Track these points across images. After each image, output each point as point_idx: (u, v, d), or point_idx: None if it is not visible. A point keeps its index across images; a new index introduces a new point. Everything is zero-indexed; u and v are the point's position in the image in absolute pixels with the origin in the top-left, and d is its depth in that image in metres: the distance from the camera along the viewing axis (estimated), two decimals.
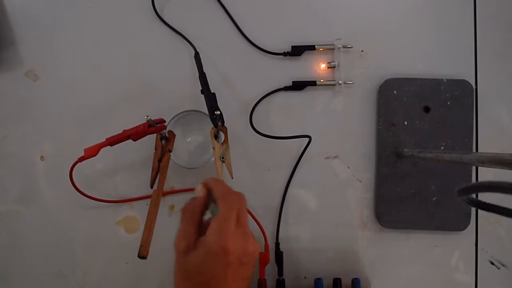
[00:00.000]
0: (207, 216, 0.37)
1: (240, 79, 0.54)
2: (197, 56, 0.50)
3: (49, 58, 0.55)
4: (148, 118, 0.44)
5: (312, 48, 0.52)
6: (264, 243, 0.51)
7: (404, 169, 0.52)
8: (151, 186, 0.47)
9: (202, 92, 0.47)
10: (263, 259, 0.50)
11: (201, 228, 0.36)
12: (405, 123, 0.52)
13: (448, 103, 0.52)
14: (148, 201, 0.46)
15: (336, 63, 0.52)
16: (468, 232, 0.52)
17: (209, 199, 0.38)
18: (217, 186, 0.38)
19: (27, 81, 0.55)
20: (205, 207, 0.38)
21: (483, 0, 0.53)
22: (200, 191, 0.38)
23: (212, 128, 0.46)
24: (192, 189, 0.53)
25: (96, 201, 0.52)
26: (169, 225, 0.52)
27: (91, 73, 0.55)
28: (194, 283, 0.34)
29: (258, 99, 0.53)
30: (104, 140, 0.45)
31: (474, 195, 0.28)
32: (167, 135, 0.48)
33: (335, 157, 0.54)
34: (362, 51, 0.53)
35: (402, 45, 0.53)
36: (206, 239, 0.33)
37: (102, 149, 0.44)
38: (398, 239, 0.53)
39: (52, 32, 0.55)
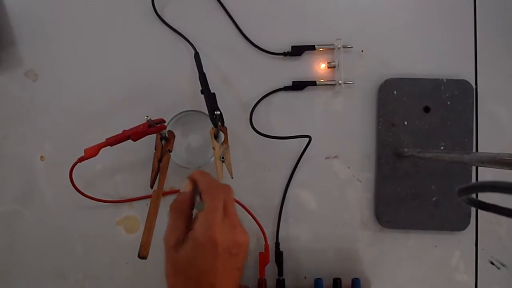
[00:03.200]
0: (195, 211, 0.37)
1: (240, 79, 0.54)
2: (197, 56, 0.50)
3: (49, 58, 0.55)
4: (148, 118, 0.44)
5: (312, 48, 0.52)
6: (264, 243, 0.51)
7: (404, 169, 0.52)
8: (151, 186, 0.47)
9: (202, 92, 0.47)
10: (263, 259, 0.51)
11: (190, 222, 0.36)
12: (405, 123, 0.52)
13: (448, 103, 0.52)
14: (148, 201, 0.46)
15: (336, 63, 0.52)
16: (468, 232, 0.52)
17: (196, 192, 0.38)
18: (202, 180, 0.38)
19: (27, 81, 0.55)
20: (193, 201, 0.38)
21: (483, 0, 0.53)
22: (186, 186, 0.38)
23: (212, 128, 0.46)
24: None
25: (96, 201, 0.52)
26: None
27: (91, 73, 0.55)
28: (185, 276, 0.34)
29: (258, 99, 0.53)
30: (104, 140, 0.45)
31: (474, 195, 0.28)
32: (167, 135, 0.48)
33: (335, 157, 0.54)
34: (362, 51, 0.53)
35: (402, 45, 0.53)
36: (193, 232, 0.34)
37: (102, 149, 0.44)
38: (398, 239, 0.53)
39: (52, 32, 0.55)
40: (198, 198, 0.38)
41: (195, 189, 0.38)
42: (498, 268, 0.53)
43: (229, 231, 0.34)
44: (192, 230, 0.34)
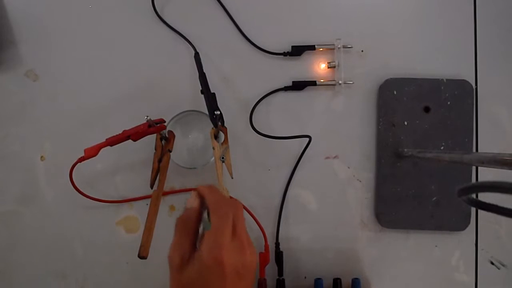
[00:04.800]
0: (202, 228, 0.36)
1: (240, 79, 0.54)
2: (197, 56, 0.50)
3: (49, 58, 0.55)
4: (148, 118, 0.44)
5: (312, 48, 0.52)
6: (264, 243, 0.51)
7: (404, 169, 0.52)
8: (151, 186, 0.47)
9: (202, 92, 0.47)
10: (263, 259, 0.51)
11: (197, 240, 0.35)
12: (405, 123, 0.52)
13: (448, 103, 0.52)
14: (148, 201, 0.46)
15: (336, 63, 0.52)
16: (468, 232, 0.52)
17: (203, 208, 0.36)
18: (210, 195, 0.36)
19: (27, 81, 0.55)
20: (200, 217, 0.36)
21: (483, 0, 0.53)
22: (193, 201, 0.36)
23: (212, 128, 0.46)
24: (192, 189, 0.53)
25: (96, 201, 0.52)
26: (169, 225, 0.52)
27: (91, 73, 0.55)
28: None
29: (258, 99, 0.53)
30: (104, 140, 0.45)
31: (474, 195, 0.28)
32: (167, 135, 0.48)
33: (335, 157, 0.54)
34: (362, 51, 0.53)
35: (402, 45, 0.53)
36: (200, 253, 0.32)
37: (102, 149, 0.44)
38: (398, 239, 0.53)
39: (52, 32, 0.55)
40: (205, 215, 0.36)
41: (202, 204, 0.36)
42: (498, 268, 0.53)
43: (238, 252, 0.33)
44: (198, 251, 0.33)
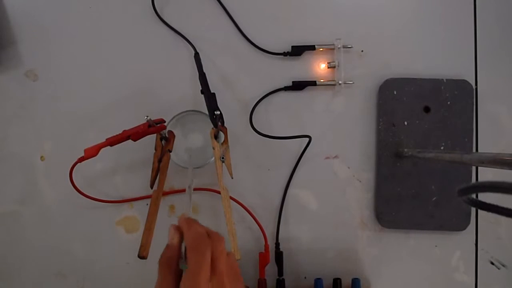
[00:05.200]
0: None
1: (240, 79, 0.54)
2: (197, 56, 0.50)
3: (49, 58, 0.55)
4: (148, 118, 0.44)
5: (312, 48, 0.52)
6: (264, 243, 0.51)
7: (404, 169, 0.52)
8: (151, 186, 0.47)
9: (202, 92, 0.47)
10: (263, 259, 0.51)
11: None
12: (405, 123, 0.52)
13: (448, 103, 0.52)
14: (148, 201, 0.46)
15: (336, 63, 0.52)
16: (468, 232, 0.52)
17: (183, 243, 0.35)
18: (188, 232, 0.34)
19: (27, 81, 0.55)
20: (181, 255, 0.35)
21: (483, 0, 0.53)
22: (173, 237, 0.35)
23: (212, 128, 0.46)
24: (193, 189, 0.52)
25: (96, 201, 0.52)
26: (169, 225, 0.52)
27: (91, 73, 0.55)
28: None
29: (258, 99, 0.53)
30: (104, 140, 0.45)
31: (474, 195, 0.28)
32: (167, 135, 0.48)
33: (335, 157, 0.54)
34: (362, 51, 0.53)
35: (402, 45, 0.53)
36: None
37: (102, 149, 0.44)
38: (398, 239, 0.53)
39: (52, 32, 0.55)
40: (183, 250, 0.34)
41: (183, 239, 0.35)
42: (498, 268, 0.53)
43: None
44: None
